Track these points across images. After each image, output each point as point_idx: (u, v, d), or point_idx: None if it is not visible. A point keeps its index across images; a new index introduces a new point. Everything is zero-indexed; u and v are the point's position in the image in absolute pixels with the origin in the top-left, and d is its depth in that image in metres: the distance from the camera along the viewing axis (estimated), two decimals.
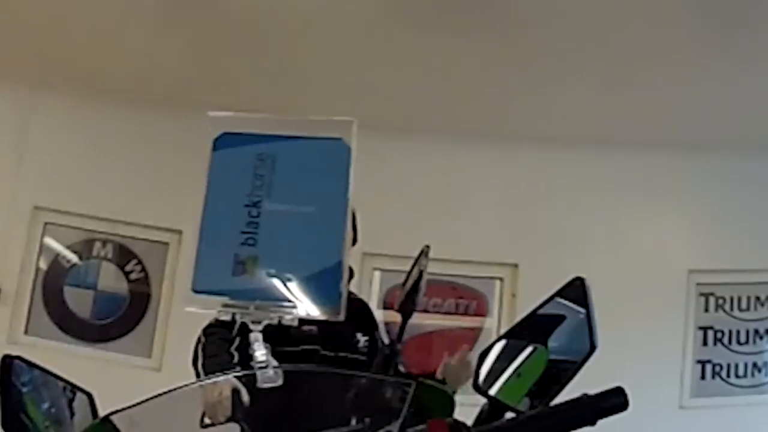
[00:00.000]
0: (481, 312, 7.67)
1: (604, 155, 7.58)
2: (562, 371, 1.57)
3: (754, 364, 7.44)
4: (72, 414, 1.62)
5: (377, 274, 7.46)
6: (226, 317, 1.37)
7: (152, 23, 6.50)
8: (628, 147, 7.50)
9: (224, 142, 1.47)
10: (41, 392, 1.56)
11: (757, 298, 7.51)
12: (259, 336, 1.37)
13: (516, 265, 7.57)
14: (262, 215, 1.41)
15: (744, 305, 7.51)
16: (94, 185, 7.42)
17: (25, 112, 7.41)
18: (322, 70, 6.82)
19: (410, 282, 3.24)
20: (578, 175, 7.63)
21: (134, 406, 1.48)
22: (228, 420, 2.41)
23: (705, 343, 7.49)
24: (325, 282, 1.37)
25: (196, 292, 1.38)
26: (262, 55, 6.75)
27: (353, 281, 3.74)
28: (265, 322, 1.36)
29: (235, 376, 2.51)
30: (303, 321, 1.37)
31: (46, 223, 7.46)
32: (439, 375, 3.59)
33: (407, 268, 3.30)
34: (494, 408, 1.57)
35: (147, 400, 1.48)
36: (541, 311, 1.65)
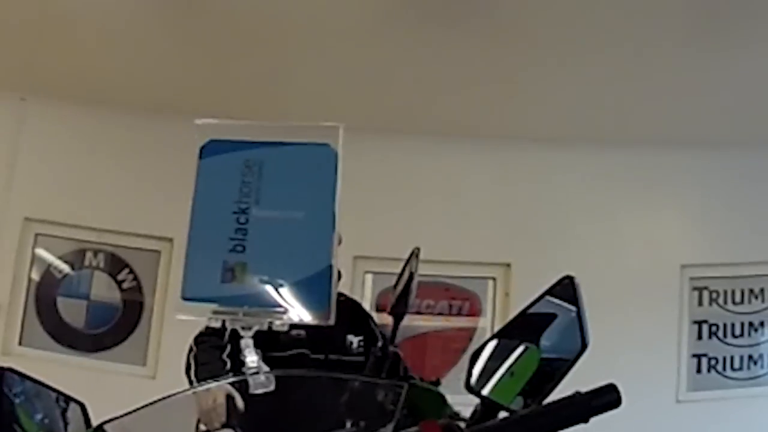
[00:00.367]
0: (475, 312, 7.67)
1: (596, 153, 7.59)
2: (554, 369, 1.56)
3: (750, 357, 7.46)
4: (65, 424, 1.62)
5: (369, 277, 7.46)
6: (217, 324, 1.37)
7: (141, 33, 6.50)
8: (619, 144, 7.52)
9: (211, 149, 1.47)
10: (34, 403, 1.56)
11: (751, 291, 7.53)
12: (250, 342, 1.37)
13: (509, 265, 7.57)
14: (250, 222, 1.41)
15: (738, 298, 7.53)
16: (85, 195, 7.41)
17: (16, 122, 7.40)
18: (311, 72, 6.82)
19: (401, 284, 3.25)
20: (570, 173, 7.63)
21: (128, 414, 1.48)
22: (223, 426, 2.40)
23: (700, 337, 7.51)
24: (314, 287, 1.37)
25: (186, 299, 1.38)
26: (250, 60, 6.75)
27: (343, 283, 3.74)
28: (256, 328, 1.37)
29: (228, 382, 2.51)
30: (292, 326, 1.37)
31: (37, 234, 7.45)
32: None
33: (399, 270, 3.31)
34: (487, 408, 1.57)
35: (141, 408, 1.48)
36: (532, 310, 1.65)
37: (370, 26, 6.37)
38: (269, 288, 1.37)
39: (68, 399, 1.64)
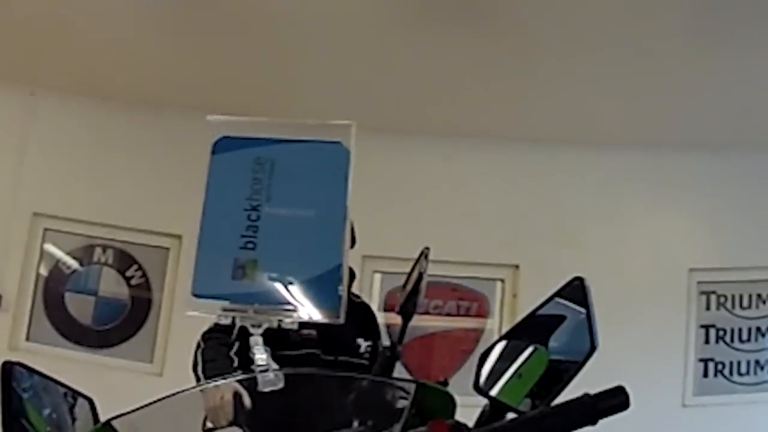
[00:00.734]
0: (483, 313, 7.67)
1: (605, 155, 7.59)
2: (563, 371, 1.56)
3: (757, 362, 7.44)
4: (73, 419, 1.62)
5: (377, 276, 7.47)
6: (226, 321, 1.37)
7: (152, 27, 6.50)
8: (628, 147, 7.51)
9: (223, 146, 1.46)
10: (42, 398, 1.56)
11: (759, 296, 7.51)
12: (260, 339, 1.37)
13: (517, 266, 7.57)
14: (261, 219, 1.41)
15: (745, 303, 7.52)
16: (94, 191, 7.42)
17: (25, 116, 7.41)
18: (322, 73, 6.82)
19: (410, 284, 3.24)
20: (579, 175, 7.63)
21: (135, 410, 1.48)
22: (230, 424, 2.40)
23: (707, 341, 7.49)
24: (324, 285, 1.37)
25: (196, 296, 1.38)
26: (261, 57, 6.75)
27: (356, 283, 3.74)
28: (265, 326, 1.36)
29: (236, 380, 2.51)
30: (302, 325, 1.36)
31: (46, 230, 7.46)
32: None
33: (408, 270, 3.31)
34: (495, 409, 1.57)
35: (148, 404, 1.48)
36: (541, 312, 1.64)
37: (387, 26, 6.36)
38: (279, 286, 1.36)
39: (76, 394, 1.63)
